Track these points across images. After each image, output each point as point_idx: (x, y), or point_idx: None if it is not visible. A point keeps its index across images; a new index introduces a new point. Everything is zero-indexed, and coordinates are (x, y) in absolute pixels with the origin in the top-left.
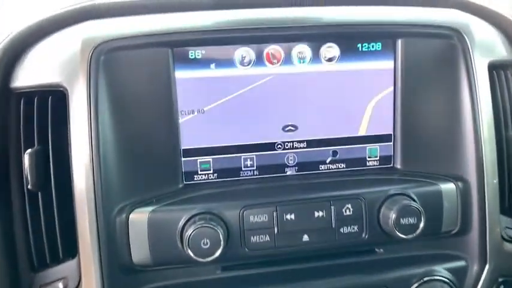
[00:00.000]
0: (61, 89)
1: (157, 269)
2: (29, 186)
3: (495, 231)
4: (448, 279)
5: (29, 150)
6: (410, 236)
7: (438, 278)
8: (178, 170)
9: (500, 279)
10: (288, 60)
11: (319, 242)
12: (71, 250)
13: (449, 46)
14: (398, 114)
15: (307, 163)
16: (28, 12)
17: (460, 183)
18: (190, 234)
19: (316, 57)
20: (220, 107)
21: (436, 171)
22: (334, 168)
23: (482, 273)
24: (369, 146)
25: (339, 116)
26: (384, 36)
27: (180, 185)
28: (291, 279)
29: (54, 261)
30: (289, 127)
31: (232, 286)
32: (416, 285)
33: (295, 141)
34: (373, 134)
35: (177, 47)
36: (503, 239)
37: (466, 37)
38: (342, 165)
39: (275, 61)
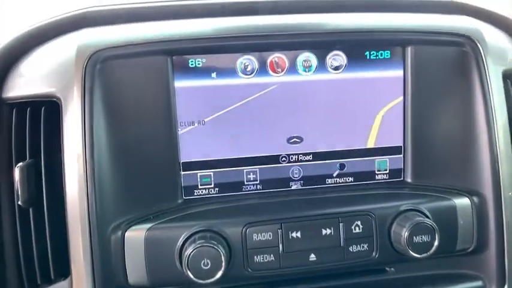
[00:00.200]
0: (54, 99)
1: None
2: (19, 202)
3: None
4: None
5: (20, 164)
6: (424, 255)
7: None
8: (177, 185)
9: None
10: (292, 69)
11: (327, 262)
12: (63, 270)
13: (461, 54)
14: (408, 125)
15: (313, 177)
16: (21, 20)
17: (475, 198)
18: (189, 254)
19: (322, 65)
20: (221, 117)
21: (449, 185)
22: (342, 182)
23: None
24: (377, 159)
25: (346, 127)
26: (392, 43)
27: (179, 201)
28: None
29: (45, 282)
30: (294, 139)
31: None
32: None
33: (300, 153)
34: (382, 146)
35: (176, 55)
36: None
37: (478, 44)
38: (350, 179)
39: (279, 70)
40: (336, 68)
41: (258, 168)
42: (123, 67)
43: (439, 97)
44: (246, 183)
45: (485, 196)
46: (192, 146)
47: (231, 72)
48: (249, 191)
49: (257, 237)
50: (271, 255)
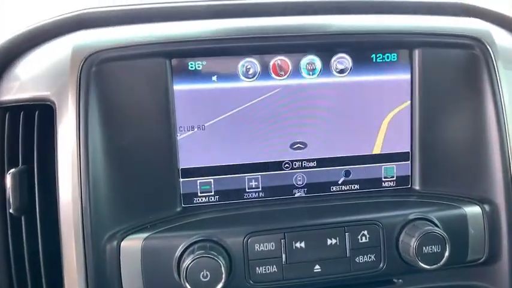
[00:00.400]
0: (48, 103)
1: None
2: (11, 210)
3: None
4: None
5: (12, 170)
6: (434, 266)
7: None
8: (176, 192)
9: None
10: (296, 72)
11: (332, 273)
12: (56, 282)
13: (471, 57)
14: (416, 130)
15: (317, 184)
16: (15, 21)
17: (486, 206)
18: (188, 265)
19: (326, 68)
20: (222, 122)
21: (458, 192)
22: (347, 190)
23: None
24: (384, 165)
25: (351, 132)
26: (399, 46)
27: (178, 209)
28: None
29: None
30: (298, 145)
31: None
32: None
33: (304, 160)
34: (389, 152)
35: (175, 57)
36: None
37: (489, 47)
38: (356, 186)
39: (282, 73)
40: (341, 71)
41: (260, 175)
42: (120, 70)
43: (447, 101)
44: (247, 190)
45: (497, 204)
46: (191, 152)
47: (232, 75)
48: (250, 198)
49: (259, 248)
50: (274, 266)
